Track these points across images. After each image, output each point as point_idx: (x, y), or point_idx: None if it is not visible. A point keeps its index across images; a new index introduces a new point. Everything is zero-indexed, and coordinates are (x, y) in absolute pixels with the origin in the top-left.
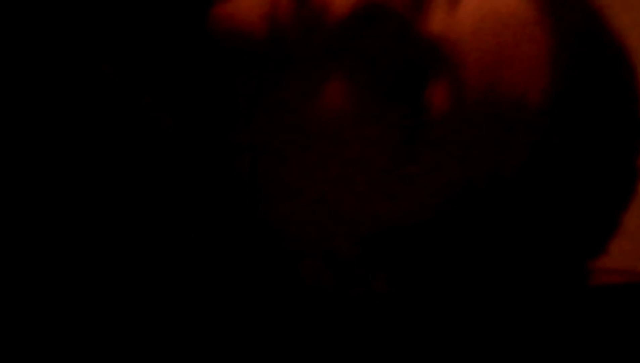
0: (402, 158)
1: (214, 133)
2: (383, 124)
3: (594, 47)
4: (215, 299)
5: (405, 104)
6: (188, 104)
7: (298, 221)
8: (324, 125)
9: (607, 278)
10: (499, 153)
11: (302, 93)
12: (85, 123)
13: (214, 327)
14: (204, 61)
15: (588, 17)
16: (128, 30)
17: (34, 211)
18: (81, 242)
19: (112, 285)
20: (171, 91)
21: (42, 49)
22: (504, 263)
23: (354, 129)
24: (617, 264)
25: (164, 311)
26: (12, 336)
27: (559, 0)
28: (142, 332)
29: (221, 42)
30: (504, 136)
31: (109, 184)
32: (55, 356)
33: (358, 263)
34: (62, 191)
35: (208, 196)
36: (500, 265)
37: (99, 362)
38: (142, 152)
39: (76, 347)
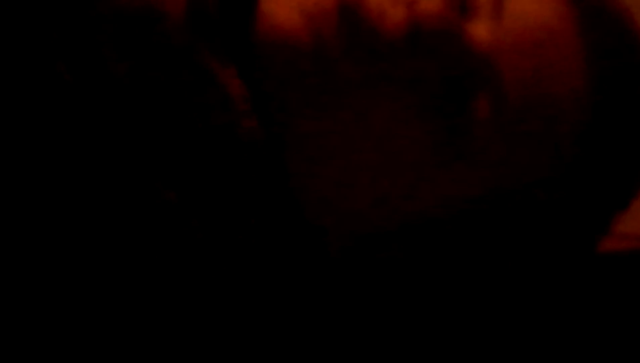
0: (445, 158)
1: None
2: (426, 132)
3: (625, 59)
4: (238, 274)
5: (449, 118)
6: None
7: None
8: (369, 141)
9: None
10: (534, 163)
11: (350, 117)
12: None
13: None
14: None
15: (618, 28)
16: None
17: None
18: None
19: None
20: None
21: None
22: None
23: (399, 139)
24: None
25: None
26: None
27: (591, 12)
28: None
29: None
30: (542, 145)
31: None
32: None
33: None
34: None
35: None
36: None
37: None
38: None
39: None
